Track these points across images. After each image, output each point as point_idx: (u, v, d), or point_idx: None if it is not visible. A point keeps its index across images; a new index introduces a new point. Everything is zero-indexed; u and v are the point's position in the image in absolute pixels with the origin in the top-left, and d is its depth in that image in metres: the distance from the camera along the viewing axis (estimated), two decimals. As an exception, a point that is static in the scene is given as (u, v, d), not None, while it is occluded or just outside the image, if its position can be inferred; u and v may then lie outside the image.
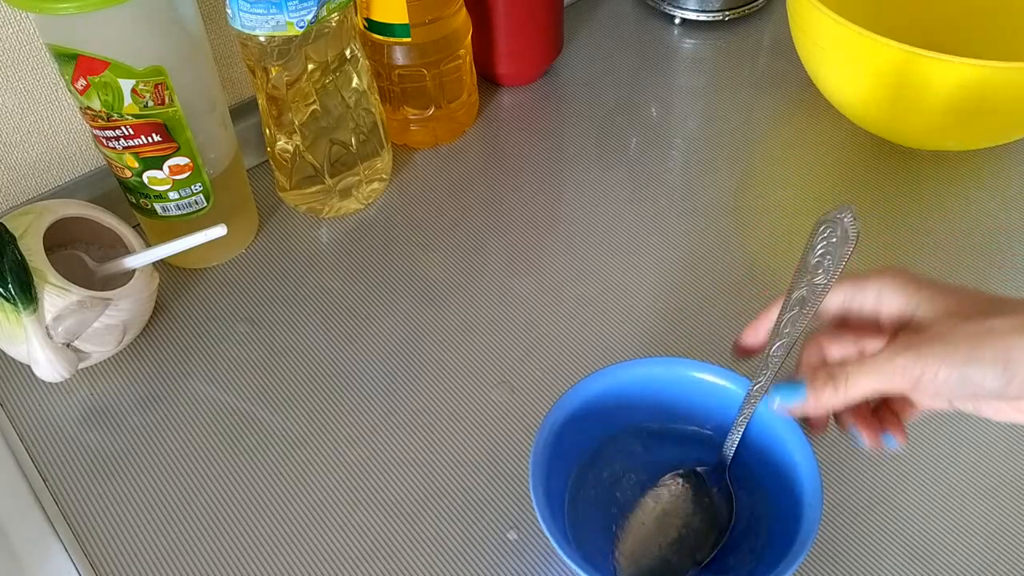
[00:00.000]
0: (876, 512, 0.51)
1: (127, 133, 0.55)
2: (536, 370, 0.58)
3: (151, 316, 0.61)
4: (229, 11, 0.57)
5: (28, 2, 0.48)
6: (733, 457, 0.46)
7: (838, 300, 0.42)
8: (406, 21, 0.65)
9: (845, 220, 0.41)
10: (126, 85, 0.52)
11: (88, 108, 0.53)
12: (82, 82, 0.52)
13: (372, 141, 0.67)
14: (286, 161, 0.65)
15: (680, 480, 0.47)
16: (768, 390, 0.42)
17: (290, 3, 0.55)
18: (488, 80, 0.79)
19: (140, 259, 0.58)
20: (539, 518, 0.42)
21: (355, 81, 0.63)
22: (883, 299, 0.40)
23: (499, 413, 0.56)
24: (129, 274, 0.57)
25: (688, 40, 0.84)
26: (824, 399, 0.40)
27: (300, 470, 0.54)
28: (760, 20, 0.86)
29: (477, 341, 0.60)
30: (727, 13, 0.84)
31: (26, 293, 0.51)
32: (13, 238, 0.52)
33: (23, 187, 0.65)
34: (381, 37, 0.67)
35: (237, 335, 0.61)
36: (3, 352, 0.57)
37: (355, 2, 0.65)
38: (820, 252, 0.42)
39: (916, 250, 0.65)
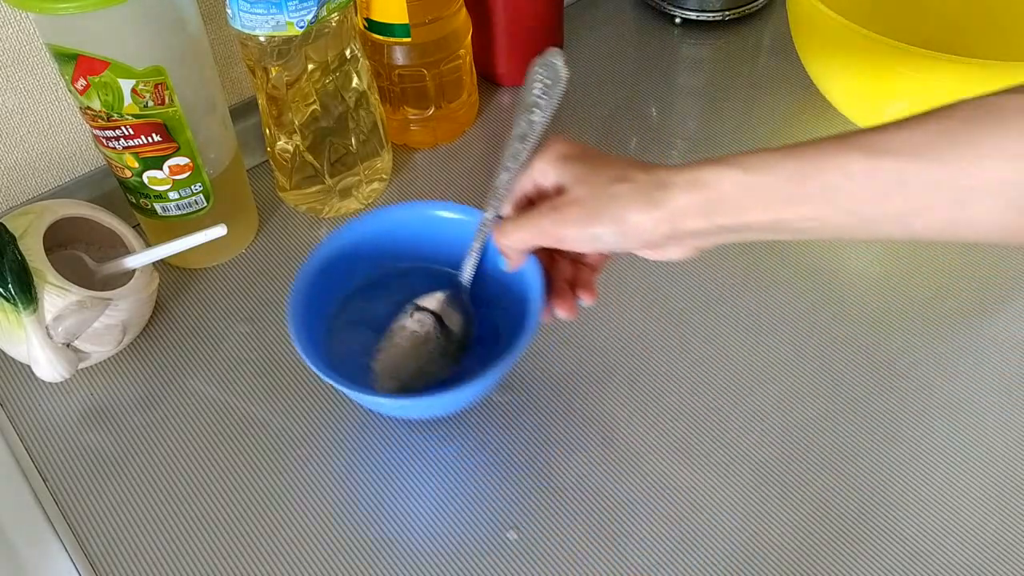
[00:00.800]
0: (876, 512, 0.51)
1: (127, 133, 0.55)
2: (536, 370, 0.58)
3: (151, 316, 0.61)
4: (229, 11, 0.57)
5: (28, 2, 0.48)
6: (481, 284, 0.52)
7: (518, 189, 0.47)
8: (406, 21, 0.65)
9: (557, 62, 0.47)
10: (126, 85, 0.52)
11: (88, 108, 0.53)
12: (82, 82, 0.52)
13: (372, 141, 0.67)
14: (286, 161, 0.65)
15: (428, 305, 0.53)
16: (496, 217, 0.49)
17: (290, 3, 0.55)
18: (488, 80, 0.79)
19: (140, 259, 0.58)
20: (296, 342, 0.48)
21: (355, 81, 0.63)
22: (545, 175, 0.45)
23: (499, 413, 0.56)
24: (129, 274, 0.57)
25: (688, 40, 0.84)
26: (497, 241, 0.47)
27: (300, 470, 0.54)
28: (760, 20, 0.86)
29: (477, 341, 0.60)
30: (727, 13, 0.84)
31: (26, 293, 0.51)
32: (13, 238, 0.52)
33: (23, 187, 0.65)
34: (381, 37, 0.67)
35: (237, 335, 0.61)
36: (3, 352, 0.57)
37: (355, 2, 0.65)
38: (536, 92, 0.47)
39: (915, 250, 0.65)
